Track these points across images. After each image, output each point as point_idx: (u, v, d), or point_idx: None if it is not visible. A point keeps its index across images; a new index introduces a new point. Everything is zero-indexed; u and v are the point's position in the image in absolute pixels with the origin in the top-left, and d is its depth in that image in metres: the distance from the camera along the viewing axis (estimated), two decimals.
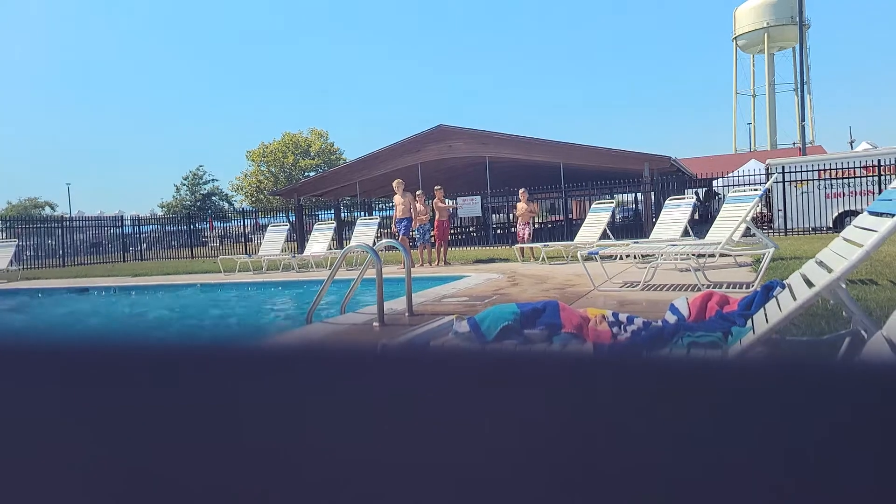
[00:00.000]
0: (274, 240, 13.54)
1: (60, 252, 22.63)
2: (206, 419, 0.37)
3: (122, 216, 27.43)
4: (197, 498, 0.36)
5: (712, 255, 7.64)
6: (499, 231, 26.12)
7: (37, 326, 7.87)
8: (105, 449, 0.37)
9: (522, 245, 11.56)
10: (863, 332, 2.55)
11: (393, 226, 12.02)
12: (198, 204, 44.09)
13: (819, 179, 16.34)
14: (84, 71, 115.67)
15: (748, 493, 0.32)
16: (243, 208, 32.83)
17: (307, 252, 12.94)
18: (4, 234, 21.77)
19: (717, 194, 22.92)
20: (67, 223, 24.55)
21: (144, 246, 26.32)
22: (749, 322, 2.81)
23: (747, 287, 5.86)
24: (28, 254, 21.78)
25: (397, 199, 11.72)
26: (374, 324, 4.95)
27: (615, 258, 8.99)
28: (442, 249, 12.00)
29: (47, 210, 46.67)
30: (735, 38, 58.15)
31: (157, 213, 41.86)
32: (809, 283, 2.66)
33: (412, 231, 11.90)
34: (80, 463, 0.37)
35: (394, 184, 11.97)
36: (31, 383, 0.40)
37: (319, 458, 0.35)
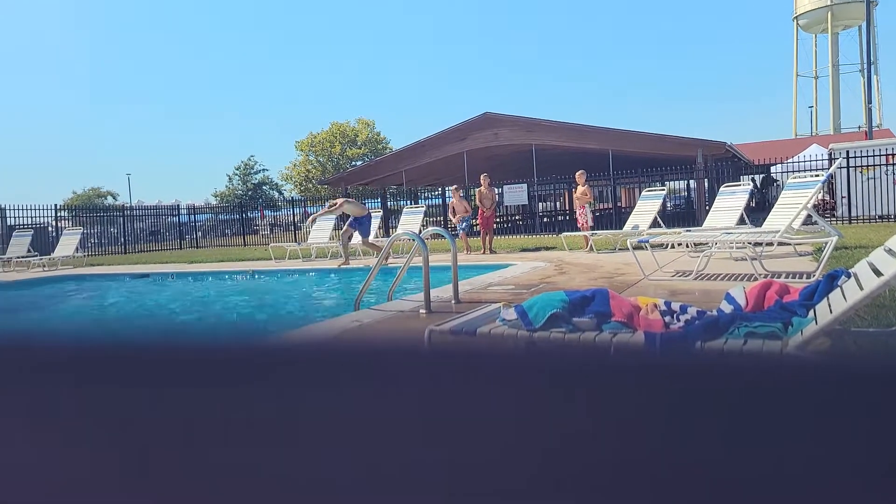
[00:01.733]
0: (322, 228, 13.72)
1: (122, 240, 23.50)
2: (262, 401, 0.38)
3: (178, 205, 28.27)
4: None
5: (770, 244, 7.37)
6: (545, 219, 25.81)
7: (107, 312, 8.18)
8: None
9: (586, 233, 10.88)
10: None
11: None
12: (249, 193, 45.10)
13: (886, 165, 15.56)
14: (143, 64, 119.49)
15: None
16: (293, 197, 33.40)
17: (354, 240, 13.05)
18: (70, 223, 22.72)
19: (776, 181, 22.16)
20: (128, 212, 25.46)
21: (199, 234, 27.08)
22: (811, 312, 2.68)
23: (808, 277, 5.63)
24: (92, 241, 22.67)
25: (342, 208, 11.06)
26: (421, 311, 4.95)
27: (666, 247, 8.77)
28: (487, 238, 11.88)
29: (109, 199, 48.44)
30: (796, 17, 55.86)
31: (211, 202, 42.99)
32: (877, 272, 2.52)
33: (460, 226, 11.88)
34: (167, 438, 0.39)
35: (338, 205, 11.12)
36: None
37: (363, 438, 0.36)
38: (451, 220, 12.56)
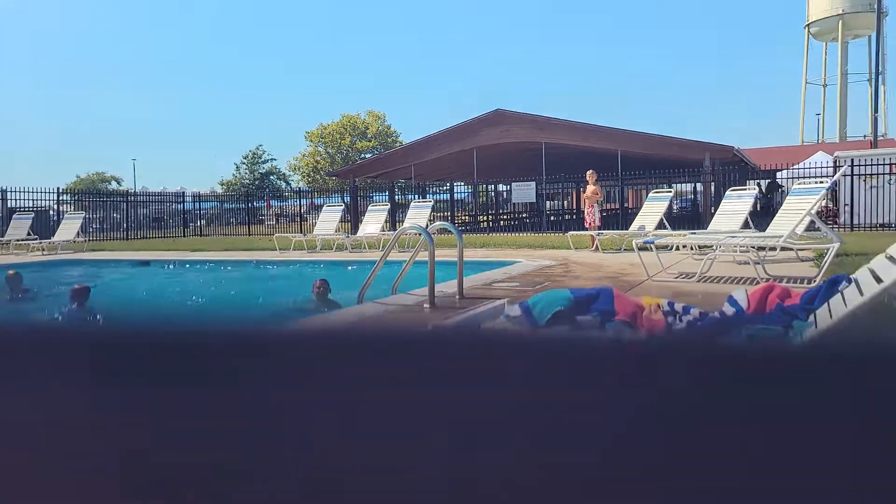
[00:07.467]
0: (328, 220, 13.78)
1: (124, 225, 23.51)
2: (260, 392, 0.38)
3: (183, 192, 28.28)
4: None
5: (773, 249, 7.40)
6: (552, 218, 25.84)
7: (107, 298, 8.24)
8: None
9: (592, 233, 10.76)
10: None
11: None
12: (256, 182, 45.05)
13: (890, 174, 15.55)
14: (151, 49, 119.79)
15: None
16: (300, 188, 33.45)
17: (361, 233, 13.11)
18: (73, 207, 22.75)
19: (781, 186, 22.13)
20: (132, 198, 25.50)
21: (204, 222, 27.12)
22: (811, 317, 2.73)
23: (809, 282, 5.67)
24: (94, 226, 22.64)
25: None
26: (425, 305, 4.98)
27: (671, 248, 8.80)
28: None
29: (113, 184, 48.49)
30: (807, 24, 55.59)
31: (218, 190, 43.05)
32: (878, 279, 2.56)
33: None
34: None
35: None
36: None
37: (361, 434, 0.36)
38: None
